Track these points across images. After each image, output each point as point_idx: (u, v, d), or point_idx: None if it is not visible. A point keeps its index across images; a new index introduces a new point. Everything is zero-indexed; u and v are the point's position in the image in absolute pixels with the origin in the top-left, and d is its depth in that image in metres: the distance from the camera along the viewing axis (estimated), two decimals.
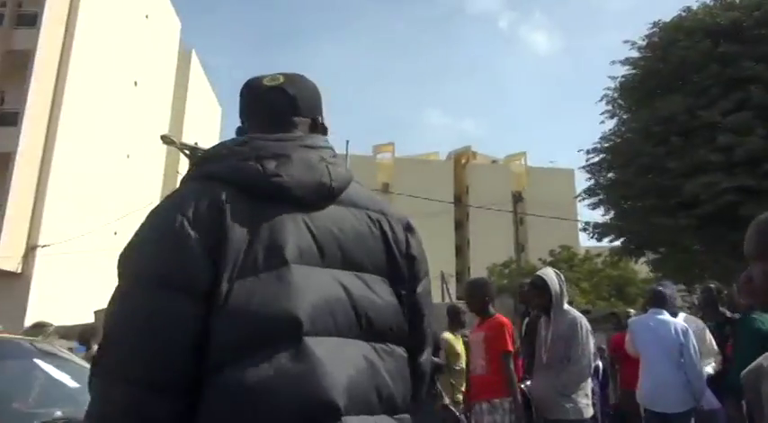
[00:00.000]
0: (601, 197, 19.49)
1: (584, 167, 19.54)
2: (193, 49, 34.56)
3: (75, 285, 20.32)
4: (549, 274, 4.21)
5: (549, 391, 3.86)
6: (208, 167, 1.21)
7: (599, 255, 39.11)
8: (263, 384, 1.02)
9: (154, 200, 26.44)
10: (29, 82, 19.44)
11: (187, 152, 15.28)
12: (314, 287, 1.12)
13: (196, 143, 18.48)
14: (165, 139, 15.00)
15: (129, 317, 1.06)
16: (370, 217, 1.28)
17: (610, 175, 19.14)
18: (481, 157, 60.14)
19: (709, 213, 15.18)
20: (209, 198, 1.12)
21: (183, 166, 22.39)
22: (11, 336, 4.24)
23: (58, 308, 17.66)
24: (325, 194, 1.22)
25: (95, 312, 18.19)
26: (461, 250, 56.78)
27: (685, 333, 4.24)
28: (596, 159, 19.24)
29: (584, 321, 4.00)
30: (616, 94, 19.29)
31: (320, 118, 1.43)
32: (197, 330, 1.03)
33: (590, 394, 3.98)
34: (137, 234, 1.15)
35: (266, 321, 1.06)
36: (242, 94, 1.43)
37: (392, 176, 53.79)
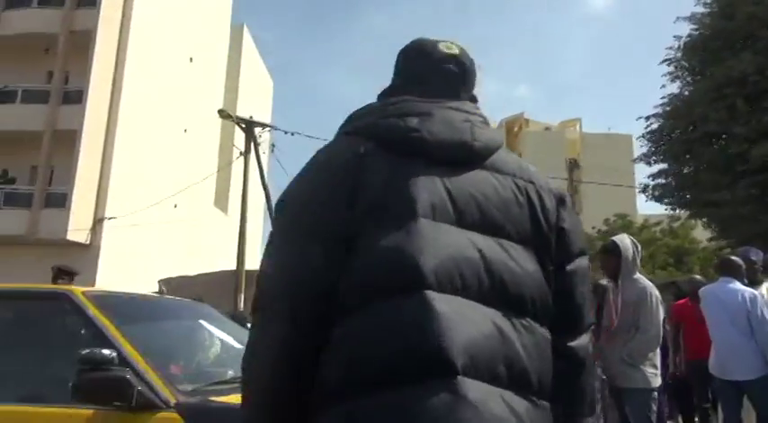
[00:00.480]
0: (661, 168, 18.89)
1: (643, 136, 18.91)
2: (244, 24, 34.91)
3: (140, 255, 21.22)
4: (624, 240, 4.15)
5: (615, 359, 3.87)
6: (353, 123, 1.27)
7: (657, 223, 38.06)
8: (381, 333, 1.06)
9: (211, 172, 27.15)
10: (91, 61, 20.13)
11: (243, 125, 15.59)
12: (443, 244, 1.11)
13: (251, 116, 18.78)
14: (222, 113, 15.36)
15: (278, 262, 1.17)
16: (516, 184, 1.23)
17: (671, 141, 18.49)
18: (534, 124, 58.98)
19: None
20: (351, 152, 1.19)
21: (239, 138, 22.86)
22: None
23: (124, 277, 18.49)
24: (465, 154, 1.21)
25: (159, 281, 18.96)
26: None
27: (753, 300, 4.16)
28: (656, 126, 18.59)
29: (654, 290, 3.94)
30: (679, 55, 18.49)
31: (475, 95, 1.42)
32: (332, 275, 1.10)
33: (658, 364, 3.96)
34: (290, 186, 1.24)
35: (389, 271, 1.09)
36: (407, 55, 1.39)
37: None
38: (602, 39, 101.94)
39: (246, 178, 15.21)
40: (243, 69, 33.99)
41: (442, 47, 1.36)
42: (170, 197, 22.49)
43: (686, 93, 18.32)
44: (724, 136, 16.29)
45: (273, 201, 16.15)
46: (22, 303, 2.89)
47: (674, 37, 18.14)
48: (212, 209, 29.13)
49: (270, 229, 1.27)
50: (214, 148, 29.48)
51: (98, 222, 20.57)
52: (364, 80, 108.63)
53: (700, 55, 17.77)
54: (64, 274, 6.23)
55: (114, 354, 2.18)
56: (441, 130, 1.20)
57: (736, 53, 16.52)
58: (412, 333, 1.05)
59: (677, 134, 18.04)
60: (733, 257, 4.57)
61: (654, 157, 18.75)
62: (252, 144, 16.04)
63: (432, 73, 1.34)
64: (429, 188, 1.15)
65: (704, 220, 19.09)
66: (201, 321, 3.55)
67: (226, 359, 3.27)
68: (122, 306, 2.97)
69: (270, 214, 16.08)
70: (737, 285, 4.31)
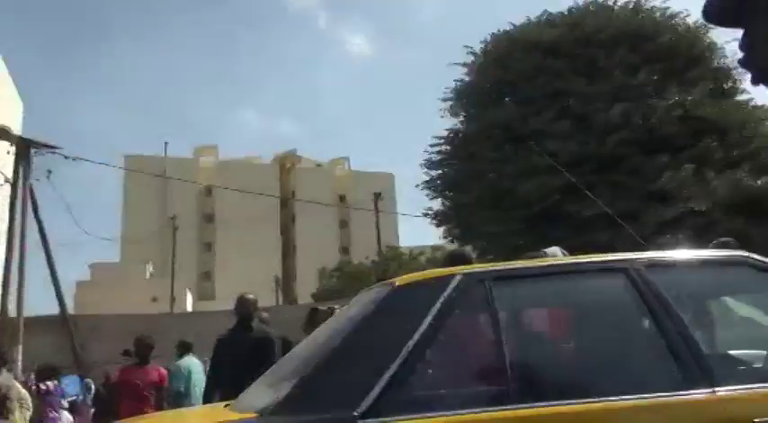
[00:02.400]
0: (439, 193, 20.71)
1: (425, 163, 20.58)
2: None
3: None
4: (556, 252, 4.10)
5: None
6: None
7: (421, 253, 41.61)
8: None
9: None
10: None
11: (16, 147, 13.51)
12: None
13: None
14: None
15: None
16: None
17: (448, 170, 20.37)
18: (306, 161, 60.57)
19: (537, 213, 16.90)
20: None
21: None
22: None
23: None
24: None
25: None
26: (288, 254, 56.56)
27: None
28: (437, 157, 20.44)
29: None
30: (453, 97, 20.73)
31: None
32: None
33: None
34: None
35: None
36: None
37: (215, 180, 51.90)
38: (362, 79, 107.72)
39: (25, 210, 13.04)
40: None
41: None
42: None
43: (461, 131, 20.52)
44: (492, 175, 18.50)
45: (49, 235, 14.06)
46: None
47: (455, 80, 20.37)
48: None
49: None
50: None
51: None
52: (121, 112, 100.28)
53: (474, 98, 20.10)
54: None
55: None
56: None
57: (503, 99, 19.10)
58: None
59: (455, 165, 19.96)
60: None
61: (435, 184, 20.53)
62: (23, 169, 13.95)
63: None
64: None
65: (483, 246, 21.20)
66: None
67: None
68: None
69: (46, 251, 13.98)
70: None
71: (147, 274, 46.73)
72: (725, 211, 14.24)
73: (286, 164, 59.50)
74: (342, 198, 57.82)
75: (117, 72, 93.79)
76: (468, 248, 5.02)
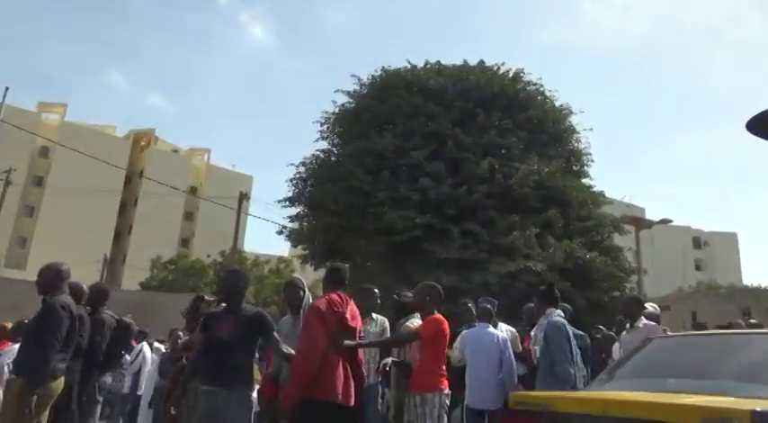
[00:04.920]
0: (300, 211, 20.66)
1: (291, 181, 20.47)
2: None
3: None
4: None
5: None
6: None
7: (267, 262, 41.09)
8: None
9: None
10: None
11: None
12: None
13: None
14: None
15: None
16: None
17: (315, 189, 20.37)
18: (162, 143, 57.37)
19: (398, 243, 17.52)
20: None
21: None
22: None
23: None
24: None
25: None
26: (122, 235, 52.91)
27: (505, 342, 5.32)
28: (304, 172, 20.40)
29: None
30: (332, 119, 21.06)
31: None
32: None
33: None
34: None
35: None
36: None
37: (57, 140, 47.45)
38: (249, 77, 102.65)
39: None
40: None
41: None
42: None
43: (335, 151, 20.78)
44: (361, 199, 18.84)
45: None
46: None
47: (333, 102, 20.76)
48: None
49: None
50: None
51: None
52: None
53: (351, 125, 20.54)
54: None
55: None
56: None
57: (382, 130, 19.73)
58: None
59: (324, 184, 19.99)
60: (489, 305, 5.66)
61: (299, 200, 20.46)
62: None
63: None
64: None
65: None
66: None
67: None
68: None
69: None
70: (492, 329, 5.42)
71: None
72: (558, 273, 15.81)
73: (141, 141, 55.98)
74: (193, 189, 55.48)
75: None
76: (484, 299, 5.44)
